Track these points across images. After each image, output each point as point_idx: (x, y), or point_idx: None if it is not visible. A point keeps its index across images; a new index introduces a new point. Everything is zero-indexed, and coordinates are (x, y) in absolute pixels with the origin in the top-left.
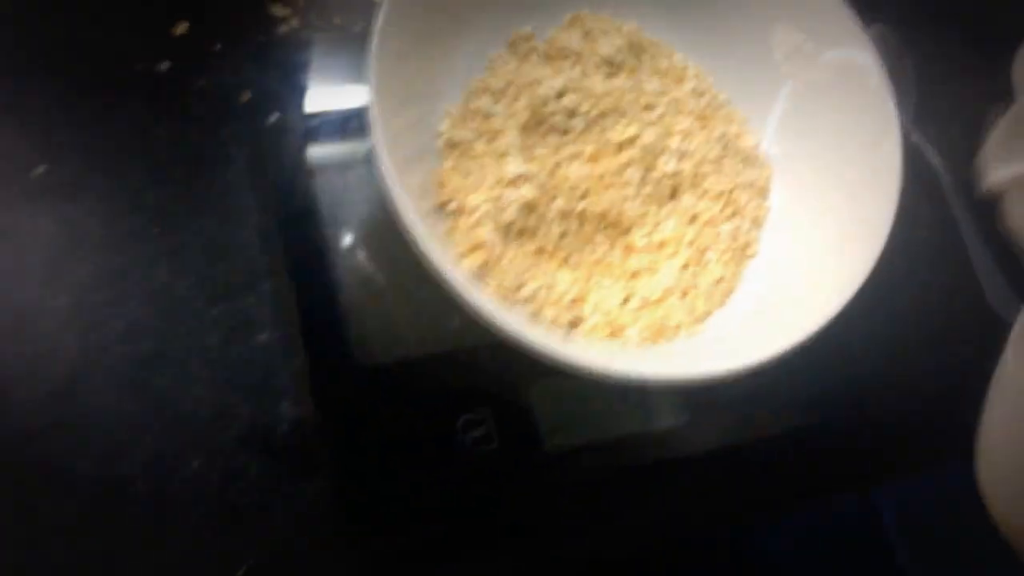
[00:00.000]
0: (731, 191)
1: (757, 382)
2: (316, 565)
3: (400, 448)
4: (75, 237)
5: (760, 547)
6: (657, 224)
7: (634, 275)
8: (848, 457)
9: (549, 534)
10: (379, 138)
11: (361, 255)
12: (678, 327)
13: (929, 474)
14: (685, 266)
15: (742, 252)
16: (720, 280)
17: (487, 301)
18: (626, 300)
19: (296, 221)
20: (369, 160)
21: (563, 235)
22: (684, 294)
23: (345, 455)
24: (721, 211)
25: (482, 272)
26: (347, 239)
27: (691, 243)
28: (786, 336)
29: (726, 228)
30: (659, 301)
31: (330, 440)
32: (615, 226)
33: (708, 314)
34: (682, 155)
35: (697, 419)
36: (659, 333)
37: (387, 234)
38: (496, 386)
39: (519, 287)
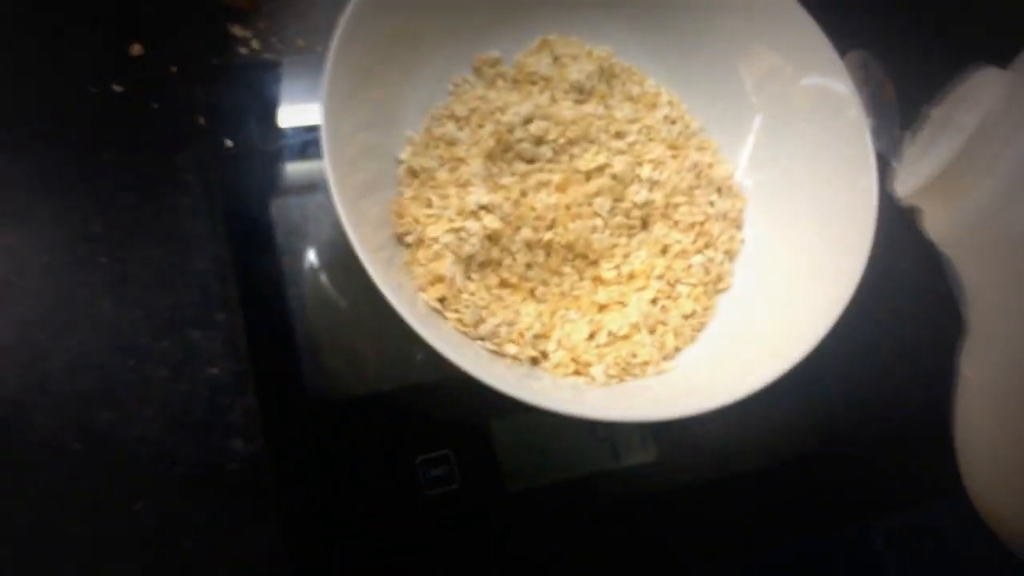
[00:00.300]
0: (703, 222)
1: (730, 418)
2: None
3: (356, 489)
4: (17, 266)
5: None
6: (627, 256)
7: (602, 308)
8: (827, 494)
9: None
10: (330, 164)
11: (318, 287)
12: (646, 364)
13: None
14: (655, 300)
15: (715, 285)
16: (691, 315)
17: (446, 337)
18: (592, 335)
19: (251, 251)
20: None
21: (528, 266)
22: (653, 330)
23: (297, 496)
24: (693, 243)
25: (442, 306)
26: (304, 270)
27: (661, 276)
28: (759, 374)
29: (698, 260)
30: (627, 337)
31: (281, 480)
32: (583, 257)
33: (678, 350)
34: (653, 185)
35: (667, 456)
36: (626, 371)
37: (345, 266)
38: (457, 424)
39: (480, 322)
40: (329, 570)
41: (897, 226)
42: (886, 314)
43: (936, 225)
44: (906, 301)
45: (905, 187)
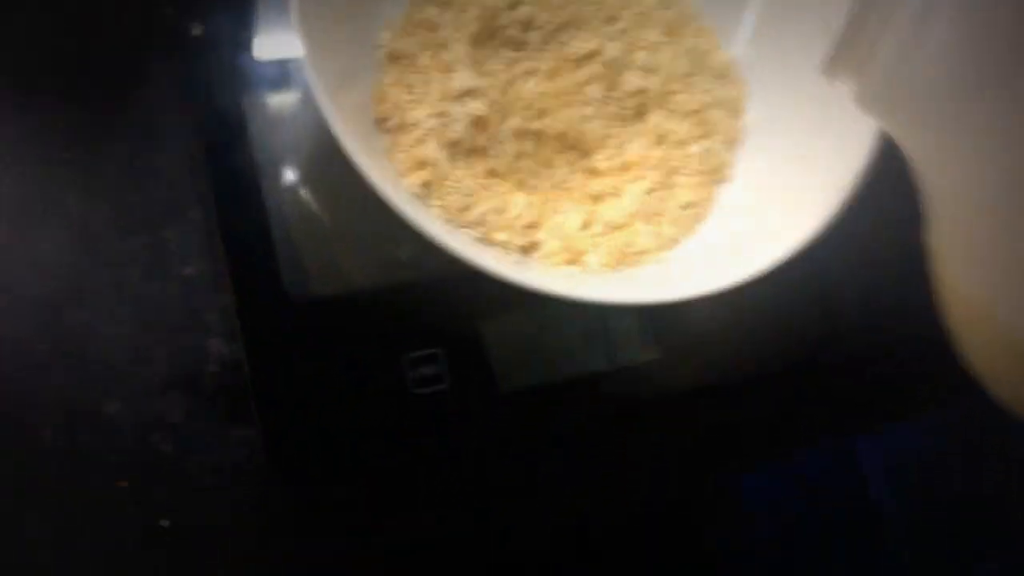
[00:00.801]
0: (702, 110)
1: (731, 319)
2: (245, 519)
3: (340, 390)
4: None
5: (736, 495)
6: (621, 145)
7: (596, 199)
8: (828, 402)
9: (504, 485)
10: (308, 49)
11: (297, 181)
12: (643, 253)
13: (910, 420)
14: (652, 190)
15: (714, 175)
16: (690, 205)
17: (432, 222)
18: (587, 225)
19: (224, 146)
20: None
21: (518, 157)
22: (650, 219)
23: (277, 398)
24: (691, 131)
25: (425, 192)
26: (280, 166)
27: (658, 166)
28: (758, 261)
29: (696, 149)
30: (623, 226)
31: (260, 382)
32: (575, 148)
33: (676, 241)
34: (648, 71)
35: (665, 358)
36: (622, 259)
37: (326, 158)
38: (447, 322)
39: (466, 208)
40: (312, 473)
41: None
42: (894, 214)
43: (861, 97)
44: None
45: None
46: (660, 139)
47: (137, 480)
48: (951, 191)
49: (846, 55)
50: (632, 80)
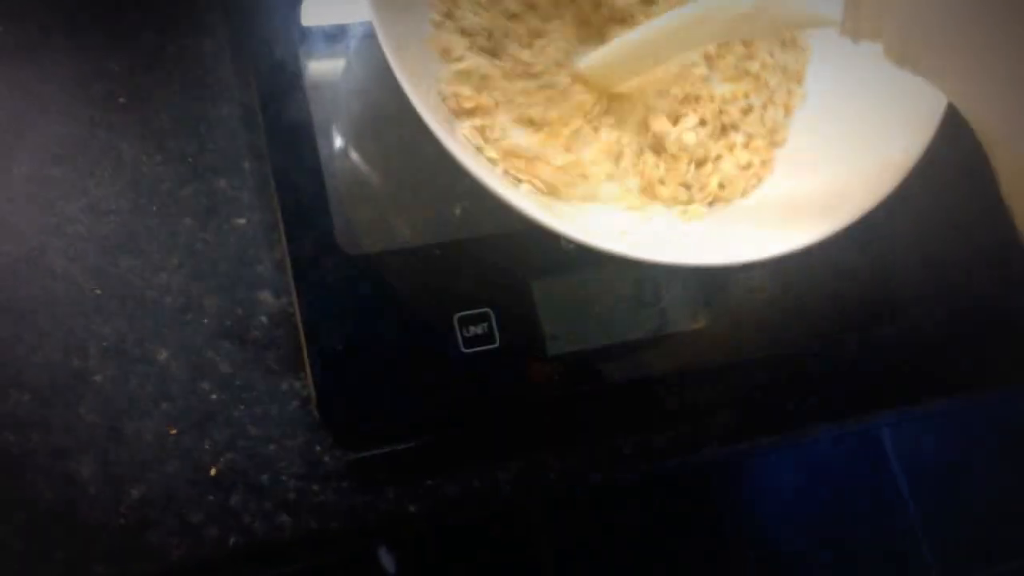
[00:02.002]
0: (759, 73)
1: (780, 290)
2: (292, 471)
3: (390, 345)
4: (32, 104)
5: (763, 474)
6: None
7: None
8: (877, 377)
9: (551, 446)
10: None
11: (351, 137)
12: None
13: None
14: (710, 139)
15: (771, 137)
16: (749, 165)
17: (491, 174)
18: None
19: (279, 97)
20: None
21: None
22: (702, 164)
23: (327, 352)
24: (747, 94)
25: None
26: (336, 119)
27: (713, 119)
28: (811, 231)
29: (754, 111)
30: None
31: (311, 336)
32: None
33: (730, 201)
34: None
35: (715, 327)
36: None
37: (381, 115)
38: (498, 281)
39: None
40: (362, 428)
41: None
42: (952, 192)
43: (888, 52)
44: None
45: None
46: (712, 96)
47: (187, 428)
48: (1005, 134)
49: (855, 15)
50: None
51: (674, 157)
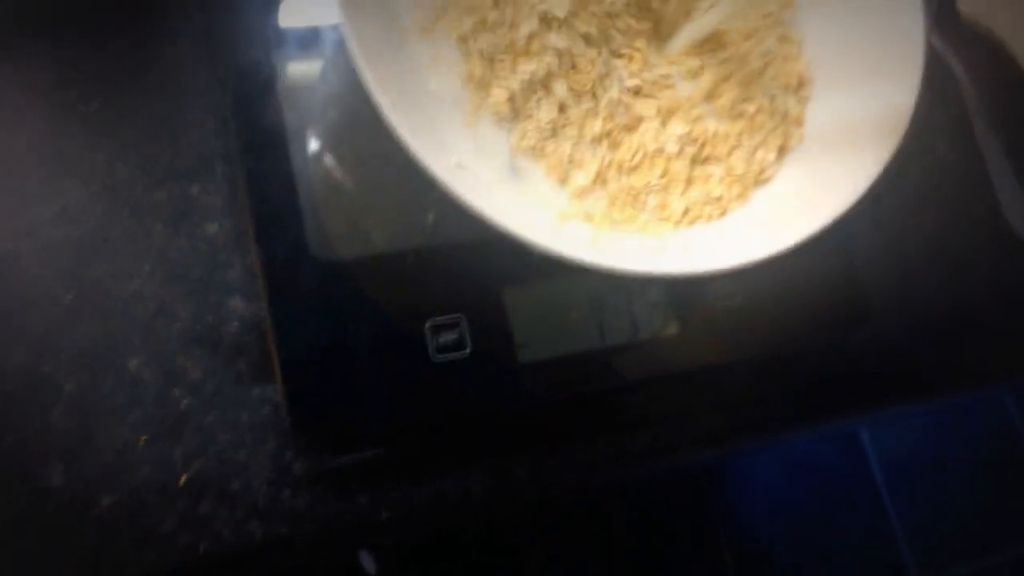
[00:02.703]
0: (755, 114)
1: (754, 298)
2: (263, 478)
3: (360, 353)
4: (3, 109)
5: (742, 471)
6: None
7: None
8: (851, 380)
9: (522, 454)
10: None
11: (324, 143)
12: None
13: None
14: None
15: (754, 177)
16: (718, 200)
17: (467, 185)
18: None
19: (252, 102)
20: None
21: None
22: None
23: (298, 359)
24: (739, 134)
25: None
26: (310, 124)
27: (695, 140)
28: (784, 237)
29: (743, 149)
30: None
31: (283, 342)
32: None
33: (690, 225)
34: None
35: (686, 333)
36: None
37: (355, 122)
38: (470, 289)
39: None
40: (329, 434)
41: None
42: (920, 193)
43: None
44: (942, 182)
45: None
46: (697, 119)
47: (157, 435)
48: None
49: None
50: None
51: (649, 160)
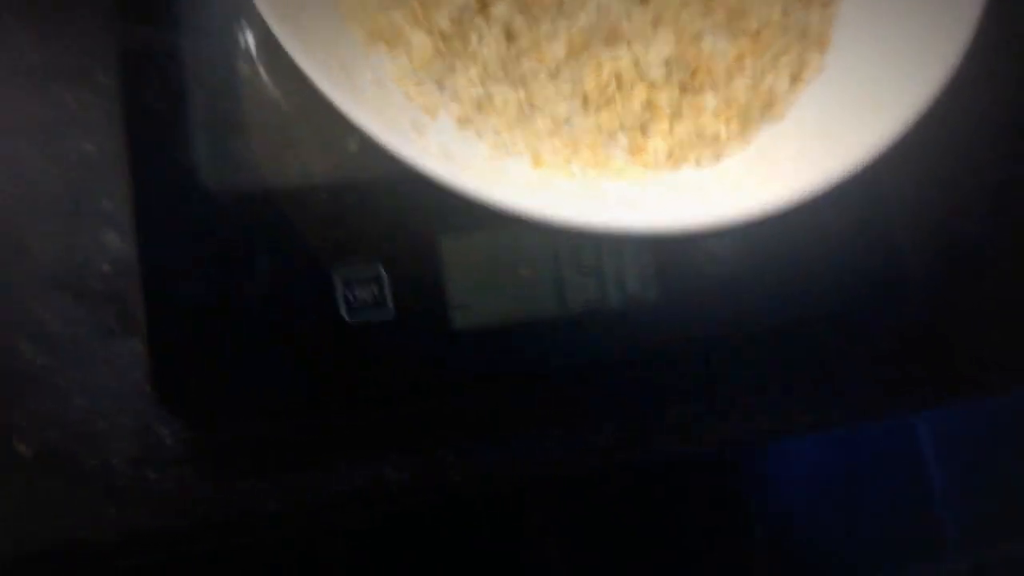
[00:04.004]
0: (760, 31)
1: (752, 257)
2: (125, 455)
3: (252, 307)
4: None
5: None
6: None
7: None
8: (869, 370)
9: (454, 440)
10: None
11: (228, 47)
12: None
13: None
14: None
15: (760, 112)
16: (714, 138)
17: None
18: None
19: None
20: None
21: None
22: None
23: (172, 310)
24: (740, 55)
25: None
26: (210, 23)
27: (690, 70)
28: (785, 189)
29: (745, 74)
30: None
31: (152, 289)
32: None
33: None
34: None
35: (664, 300)
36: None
37: (266, 25)
38: (397, 236)
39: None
40: (208, 405)
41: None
42: (976, 150)
43: None
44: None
45: None
46: (695, 37)
47: None
48: None
49: None
50: None
51: (627, 89)
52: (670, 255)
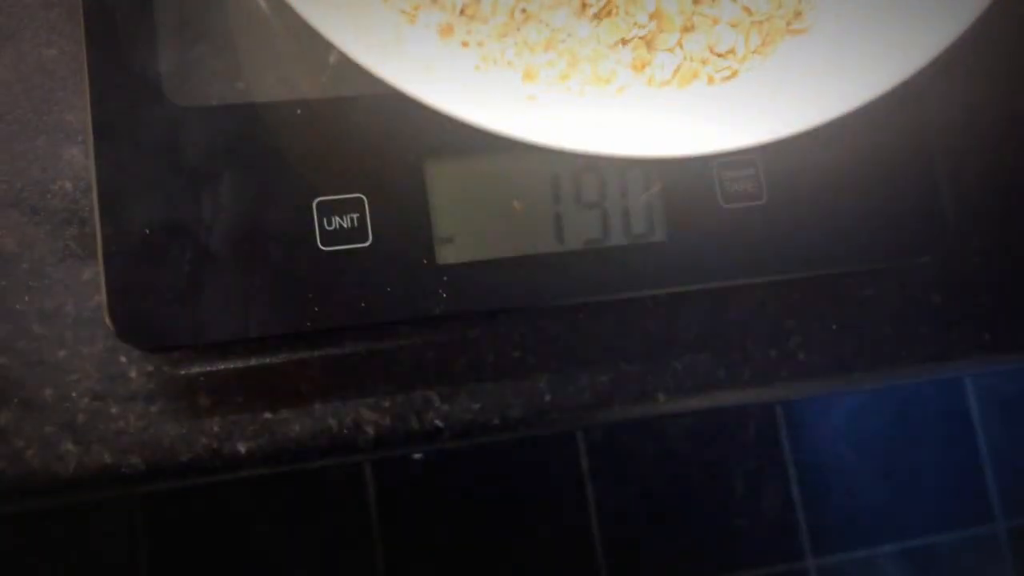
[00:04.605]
0: None
1: (774, 193)
2: (86, 387)
3: (219, 232)
4: None
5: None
6: None
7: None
8: (906, 321)
9: (437, 383)
10: None
11: None
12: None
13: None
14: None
15: (783, 23)
16: (727, 53)
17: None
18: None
19: None
20: None
21: None
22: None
23: (129, 232)
24: None
25: None
26: None
27: None
28: (818, 108)
29: None
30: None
31: (108, 210)
32: None
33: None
34: None
35: (676, 240)
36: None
37: None
38: (377, 159)
39: None
40: (167, 339)
41: None
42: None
43: None
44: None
45: None
46: None
47: None
48: None
49: None
50: None
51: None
52: (681, 189)
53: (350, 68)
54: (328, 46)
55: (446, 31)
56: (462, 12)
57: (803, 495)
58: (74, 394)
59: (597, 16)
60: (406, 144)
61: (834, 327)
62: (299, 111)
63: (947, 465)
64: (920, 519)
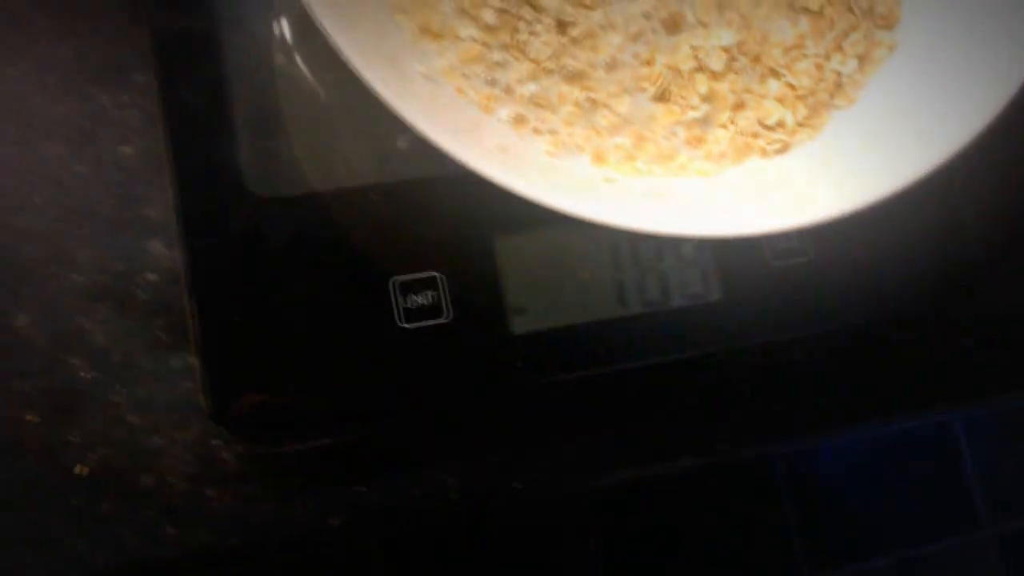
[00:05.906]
0: (823, 8)
1: (820, 254)
2: (181, 472)
3: (305, 316)
4: None
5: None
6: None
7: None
8: (944, 365)
9: (515, 447)
10: None
11: (272, 44)
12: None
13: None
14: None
15: (829, 97)
16: (776, 126)
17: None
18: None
19: None
20: None
21: None
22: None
23: (224, 321)
24: (801, 37)
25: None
26: (252, 19)
27: (746, 52)
28: (861, 190)
29: (808, 57)
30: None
31: (202, 301)
32: None
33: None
34: None
35: (731, 300)
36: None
37: (309, 19)
38: (452, 238)
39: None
40: (265, 422)
41: None
42: None
43: None
44: None
45: None
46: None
47: (49, 414)
48: None
49: None
50: None
51: (686, 80)
52: (733, 253)
53: (419, 153)
54: (398, 133)
55: (519, 120)
56: (534, 104)
57: (797, 516)
58: (170, 479)
59: (656, 99)
60: (477, 223)
61: (878, 371)
62: (373, 196)
63: (934, 481)
64: (910, 529)
